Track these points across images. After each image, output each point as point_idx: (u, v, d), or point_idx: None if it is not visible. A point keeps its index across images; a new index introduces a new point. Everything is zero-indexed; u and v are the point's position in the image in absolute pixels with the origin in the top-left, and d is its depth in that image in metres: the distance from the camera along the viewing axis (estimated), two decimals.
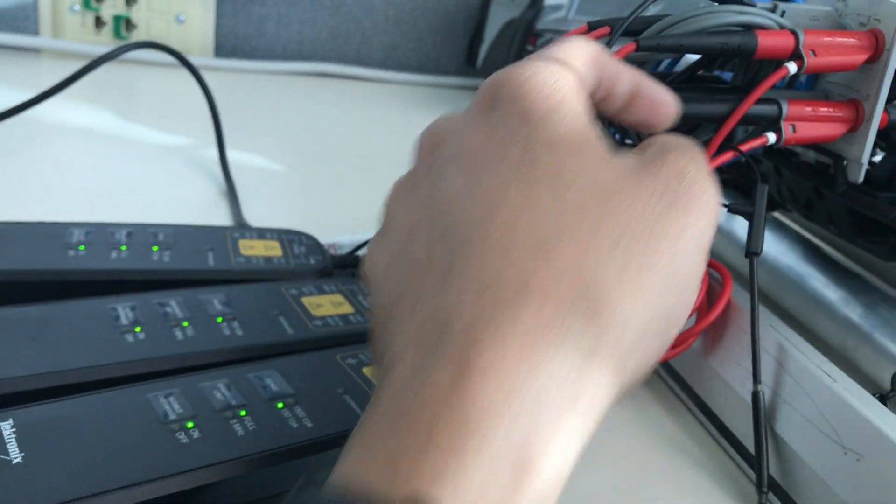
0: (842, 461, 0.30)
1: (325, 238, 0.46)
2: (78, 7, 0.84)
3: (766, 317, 0.37)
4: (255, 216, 0.53)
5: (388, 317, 0.23)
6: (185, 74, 0.62)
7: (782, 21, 0.38)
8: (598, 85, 0.27)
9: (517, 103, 0.24)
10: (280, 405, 0.30)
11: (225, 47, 0.89)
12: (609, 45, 0.36)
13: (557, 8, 0.75)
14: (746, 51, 0.37)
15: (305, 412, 0.30)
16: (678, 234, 0.22)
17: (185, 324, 0.34)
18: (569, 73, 0.25)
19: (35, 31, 0.84)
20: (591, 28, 0.40)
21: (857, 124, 0.39)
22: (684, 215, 0.23)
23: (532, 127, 0.23)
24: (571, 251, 0.21)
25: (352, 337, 0.36)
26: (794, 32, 0.37)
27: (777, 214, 0.54)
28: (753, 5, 0.39)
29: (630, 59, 0.38)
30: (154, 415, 0.28)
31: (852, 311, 0.43)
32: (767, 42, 0.37)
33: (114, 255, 0.39)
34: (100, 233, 0.41)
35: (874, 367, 0.41)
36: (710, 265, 0.40)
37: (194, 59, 0.85)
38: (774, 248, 0.49)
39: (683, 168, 0.23)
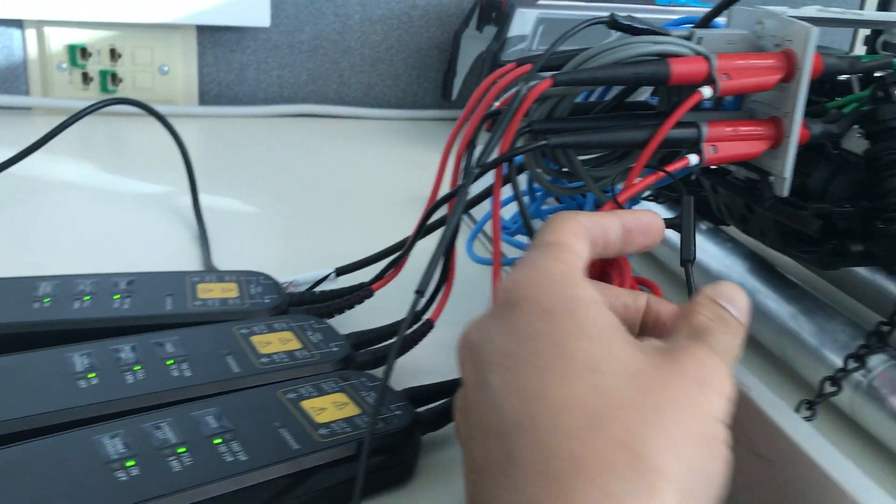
0: (754, 467, 0.32)
1: (285, 277, 0.48)
2: (65, 65, 0.87)
3: None
4: (227, 259, 0.56)
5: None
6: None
7: (697, 47, 0.40)
8: (593, 247, 0.31)
9: (535, 302, 0.26)
10: (218, 441, 0.32)
11: (209, 95, 0.92)
12: (527, 81, 0.38)
13: (522, 39, 0.78)
14: (660, 79, 0.39)
15: (241, 446, 0.31)
16: (706, 411, 0.25)
17: (137, 368, 0.36)
18: (569, 256, 0.28)
19: (25, 91, 0.88)
20: (518, 65, 0.42)
21: (778, 141, 0.41)
22: (709, 394, 0.25)
23: (556, 322, 0.26)
24: (616, 429, 0.23)
25: (295, 371, 0.38)
26: (707, 58, 0.39)
27: (729, 229, 0.55)
28: (668, 34, 0.41)
29: (550, 94, 0.40)
30: (97, 456, 0.30)
31: (790, 318, 0.44)
32: (680, 69, 0.38)
33: (77, 305, 0.41)
34: (66, 285, 0.43)
35: (812, 373, 0.42)
36: (640, 282, 0.41)
37: (179, 108, 0.88)
38: (720, 261, 0.50)
39: (702, 359, 0.26)
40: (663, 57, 0.39)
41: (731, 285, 0.30)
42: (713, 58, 0.39)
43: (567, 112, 0.41)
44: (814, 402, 0.38)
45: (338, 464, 0.32)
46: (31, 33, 0.85)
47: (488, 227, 0.61)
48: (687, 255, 0.36)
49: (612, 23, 0.39)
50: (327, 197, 0.71)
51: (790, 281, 0.47)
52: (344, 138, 0.89)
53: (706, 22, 0.43)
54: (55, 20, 0.85)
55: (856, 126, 0.44)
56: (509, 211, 0.53)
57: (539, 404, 0.24)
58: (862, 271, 0.49)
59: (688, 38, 0.41)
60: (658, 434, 0.23)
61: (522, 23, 0.77)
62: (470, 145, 0.42)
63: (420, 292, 0.37)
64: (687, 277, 0.37)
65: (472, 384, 0.27)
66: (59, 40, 0.86)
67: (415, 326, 0.43)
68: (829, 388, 0.39)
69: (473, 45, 0.89)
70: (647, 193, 0.56)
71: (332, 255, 0.53)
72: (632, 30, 0.40)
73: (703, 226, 0.54)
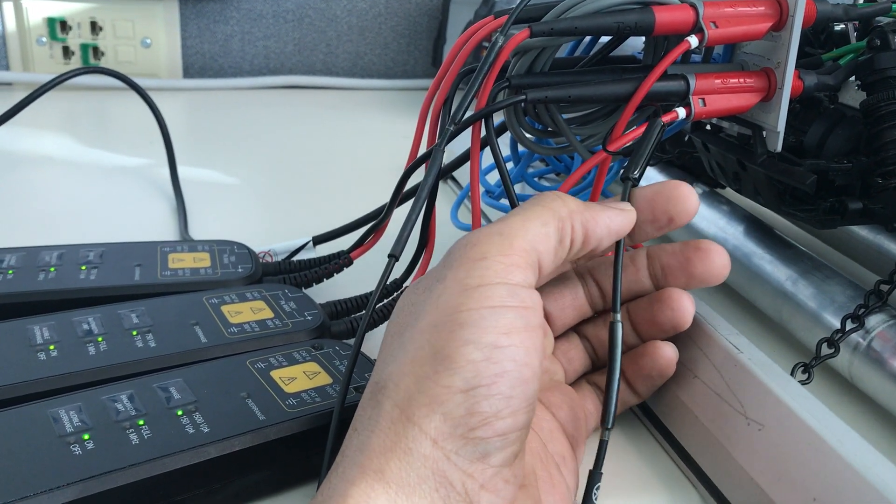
0: (745, 431, 0.30)
1: (264, 246, 0.47)
2: (45, 39, 0.85)
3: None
4: (206, 230, 0.54)
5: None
6: (152, 97, 0.62)
7: None
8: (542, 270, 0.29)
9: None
10: (180, 412, 0.30)
11: (193, 67, 0.90)
12: (502, 33, 0.36)
13: (510, 3, 0.75)
14: (644, 28, 0.37)
15: (204, 418, 0.30)
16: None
17: (100, 339, 0.35)
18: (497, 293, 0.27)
19: (5, 66, 0.86)
20: (496, 17, 0.40)
21: (770, 93, 0.39)
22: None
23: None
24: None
25: (267, 341, 0.36)
26: (693, 5, 0.37)
27: (727, 193, 0.54)
28: None
29: (528, 46, 0.38)
30: (52, 429, 0.29)
31: (787, 280, 0.42)
32: (665, 17, 0.36)
33: (41, 276, 0.40)
34: (31, 257, 0.42)
35: (810, 336, 0.40)
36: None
37: (163, 82, 0.86)
38: (714, 224, 0.48)
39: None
40: (647, 5, 0.37)
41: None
42: (700, 5, 0.37)
43: (548, 66, 0.39)
44: (810, 365, 0.36)
45: (307, 434, 0.30)
46: (7, 6, 0.83)
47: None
48: (627, 171, 0.34)
49: None
50: (311, 168, 0.69)
51: (787, 242, 0.45)
52: (331, 110, 0.87)
53: None
54: None
55: (853, 78, 0.42)
56: (495, 176, 0.51)
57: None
58: (861, 231, 0.47)
59: None
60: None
61: None
62: (446, 104, 0.40)
63: (394, 256, 0.35)
64: (623, 194, 0.34)
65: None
66: (37, 13, 0.84)
67: (394, 294, 0.41)
68: (826, 351, 0.37)
69: (463, 11, 0.86)
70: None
71: (315, 225, 0.52)
72: None
73: (699, 189, 0.52)
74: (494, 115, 0.38)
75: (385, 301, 0.41)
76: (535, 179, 0.49)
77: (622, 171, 0.34)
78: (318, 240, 0.47)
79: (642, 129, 0.38)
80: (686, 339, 0.34)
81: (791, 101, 0.40)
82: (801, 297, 0.41)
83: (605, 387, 0.30)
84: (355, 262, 0.44)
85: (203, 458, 0.28)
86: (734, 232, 0.47)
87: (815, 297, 0.41)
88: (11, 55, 0.85)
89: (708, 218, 0.49)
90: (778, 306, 0.42)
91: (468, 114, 0.37)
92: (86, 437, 0.29)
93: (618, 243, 0.33)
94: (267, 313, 0.38)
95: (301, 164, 0.70)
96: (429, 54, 0.94)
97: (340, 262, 0.43)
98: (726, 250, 0.46)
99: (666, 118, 0.38)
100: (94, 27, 0.86)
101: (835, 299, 0.40)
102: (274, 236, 0.50)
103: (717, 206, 0.50)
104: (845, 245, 0.50)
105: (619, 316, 0.31)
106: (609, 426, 0.29)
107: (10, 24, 0.84)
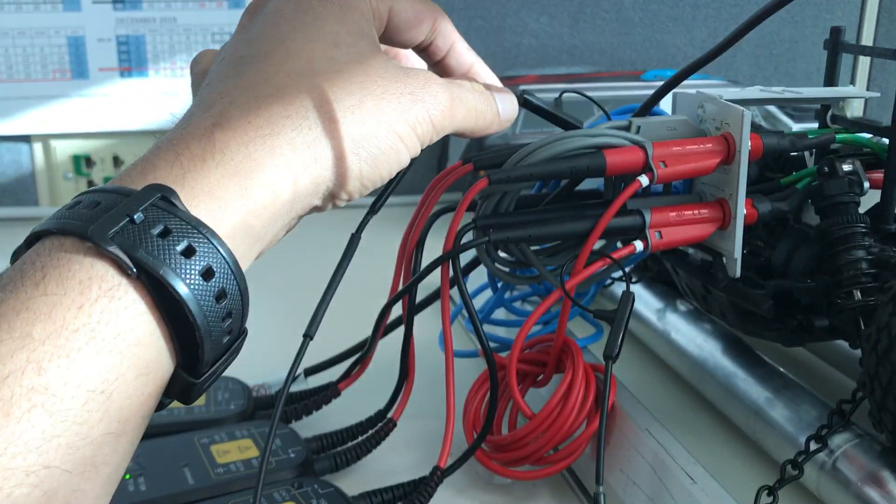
0: None
1: (257, 380, 0.49)
2: (71, 174, 0.91)
3: (645, 420, 0.38)
4: None
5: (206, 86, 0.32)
6: None
7: (634, 137, 0.40)
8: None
9: None
10: None
11: None
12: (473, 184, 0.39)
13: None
14: (596, 171, 0.39)
15: None
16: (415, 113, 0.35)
17: None
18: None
19: (35, 202, 0.91)
20: (464, 163, 0.43)
21: (726, 222, 0.41)
22: (426, 102, 0.35)
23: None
24: (321, 83, 0.31)
25: (251, 480, 0.38)
26: (642, 147, 0.40)
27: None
28: (578, 123, 0.42)
29: (491, 191, 0.41)
30: None
31: (761, 399, 0.43)
32: (615, 160, 0.39)
33: None
34: None
35: (779, 453, 0.41)
36: (599, 371, 0.41)
37: None
38: (693, 341, 0.50)
39: (429, 77, 0.35)
40: (599, 149, 0.39)
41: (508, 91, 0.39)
42: (649, 146, 0.39)
43: (513, 205, 0.42)
44: (773, 488, 0.37)
45: None
46: (37, 147, 0.89)
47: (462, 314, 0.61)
48: (609, 350, 0.36)
49: (523, 102, 0.41)
50: (309, 291, 0.71)
51: (761, 360, 0.46)
52: (333, 228, 0.89)
53: (645, 110, 0.44)
54: (60, 133, 0.89)
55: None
56: (482, 299, 0.53)
57: (279, 48, 0.31)
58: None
59: (626, 127, 0.41)
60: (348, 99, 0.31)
61: None
62: (419, 245, 0.43)
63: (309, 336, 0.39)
64: (605, 374, 0.36)
65: (239, 30, 0.34)
66: (64, 152, 0.90)
67: (377, 426, 0.43)
68: (790, 472, 0.38)
69: None
70: (617, 274, 0.56)
71: (317, 353, 0.53)
72: (539, 110, 0.41)
73: (683, 307, 0.54)
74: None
75: (365, 435, 0.43)
76: (517, 304, 0.51)
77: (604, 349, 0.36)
78: (310, 371, 0.49)
79: (598, 264, 0.40)
80: (647, 468, 0.35)
81: (757, 223, 0.42)
82: (771, 416, 0.42)
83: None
84: (343, 392, 0.46)
85: None
86: (711, 349, 0.48)
87: (785, 417, 0.41)
88: (40, 190, 0.91)
89: (687, 335, 0.51)
90: (752, 424, 0.43)
91: None
92: None
93: (606, 381, 0.35)
94: (252, 452, 0.40)
95: (303, 288, 0.72)
96: (433, 171, 0.98)
97: (328, 393, 0.46)
98: (707, 370, 0.48)
99: (623, 251, 0.41)
100: (117, 161, 0.92)
101: (802, 418, 0.41)
102: (275, 365, 0.51)
103: (698, 323, 0.51)
104: (825, 352, 0.51)
105: (601, 487, 0.33)
106: None
107: (40, 162, 0.90)
